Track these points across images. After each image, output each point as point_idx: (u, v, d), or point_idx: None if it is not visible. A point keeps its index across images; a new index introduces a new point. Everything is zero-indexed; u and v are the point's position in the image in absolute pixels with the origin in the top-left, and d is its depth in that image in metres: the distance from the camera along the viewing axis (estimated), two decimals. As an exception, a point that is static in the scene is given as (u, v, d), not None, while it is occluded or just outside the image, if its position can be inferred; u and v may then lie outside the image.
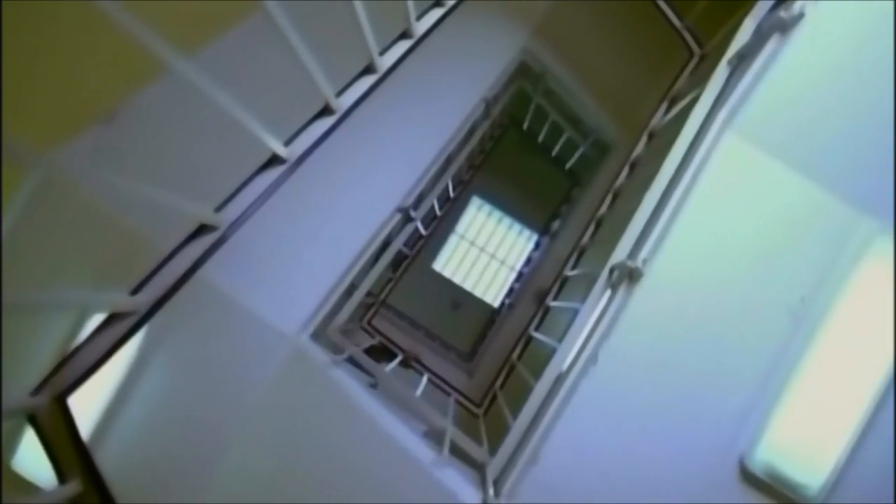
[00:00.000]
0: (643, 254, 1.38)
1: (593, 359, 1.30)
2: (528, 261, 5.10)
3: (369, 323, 3.24)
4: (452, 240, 6.21)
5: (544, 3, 2.54)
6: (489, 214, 6.32)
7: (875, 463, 1.19)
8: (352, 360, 1.99)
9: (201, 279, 1.04)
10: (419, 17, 1.41)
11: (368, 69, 1.30)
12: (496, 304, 5.70)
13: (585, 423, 1.26)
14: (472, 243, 6.27)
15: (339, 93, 1.24)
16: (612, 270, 1.51)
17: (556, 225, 4.42)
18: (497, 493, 1.27)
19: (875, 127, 1.38)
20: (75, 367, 0.87)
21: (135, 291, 0.92)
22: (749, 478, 1.22)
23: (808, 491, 1.19)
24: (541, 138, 3.82)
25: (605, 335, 1.33)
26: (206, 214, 0.99)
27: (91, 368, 0.87)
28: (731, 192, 1.39)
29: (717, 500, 1.22)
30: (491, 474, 1.36)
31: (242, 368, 1.71)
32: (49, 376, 0.87)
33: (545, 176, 4.97)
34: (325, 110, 1.21)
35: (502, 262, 6.22)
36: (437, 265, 6.16)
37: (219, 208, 1.02)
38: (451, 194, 3.93)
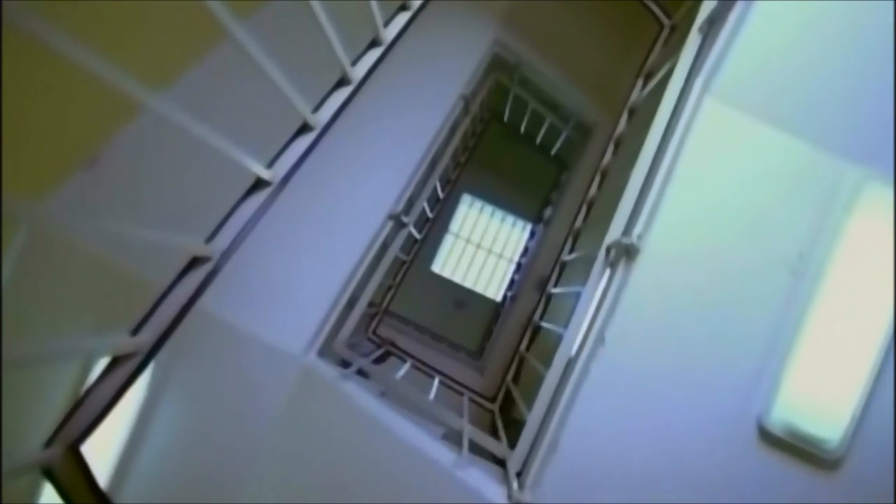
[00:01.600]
0: (637, 229, 1.38)
1: (600, 340, 1.30)
2: (526, 251, 5.09)
3: (374, 333, 3.24)
4: (448, 240, 6.22)
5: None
6: (481, 210, 6.34)
7: (891, 409, 1.20)
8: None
9: (200, 311, 1.03)
10: (386, 24, 1.41)
11: (342, 81, 1.30)
12: (499, 298, 5.71)
13: (600, 405, 1.26)
14: (468, 241, 6.28)
15: (316, 108, 1.24)
16: (608, 250, 1.51)
17: (548, 212, 4.42)
18: (521, 486, 1.27)
19: (854, 76, 1.38)
20: (85, 414, 0.86)
21: (135, 332, 0.91)
22: (769, 438, 1.22)
23: (828, 444, 1.19)
24: (523, 128, 3.82)
25: (610, 315, 1.33)
26: (197, 247, 0.99)
27: (100, 414, 0.87)
28: (716, 157, 1.39)
29: (739, 465, 1.22)
30: (513, 468, 1.36)
31: (254, 394, 1.71)
32: (60, 426, 0.86)
33: (532, 164, 4.97)
34: (304, 127, 1.20)
35: (500, 256, 6.24)
36: (436, 267, 6.17)
37: (209, 239, 1.02)
38: (441, 195, 3.93)
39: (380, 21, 1.35)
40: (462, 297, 6.01)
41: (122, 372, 0.89)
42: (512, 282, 5.02)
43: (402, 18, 1.47)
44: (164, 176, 1.78)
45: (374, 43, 1.39)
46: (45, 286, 1.57)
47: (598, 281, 1.49)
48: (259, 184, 1.11)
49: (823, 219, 1.31)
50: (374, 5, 1.27)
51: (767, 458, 1.22)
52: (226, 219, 1.05)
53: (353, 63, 1.32)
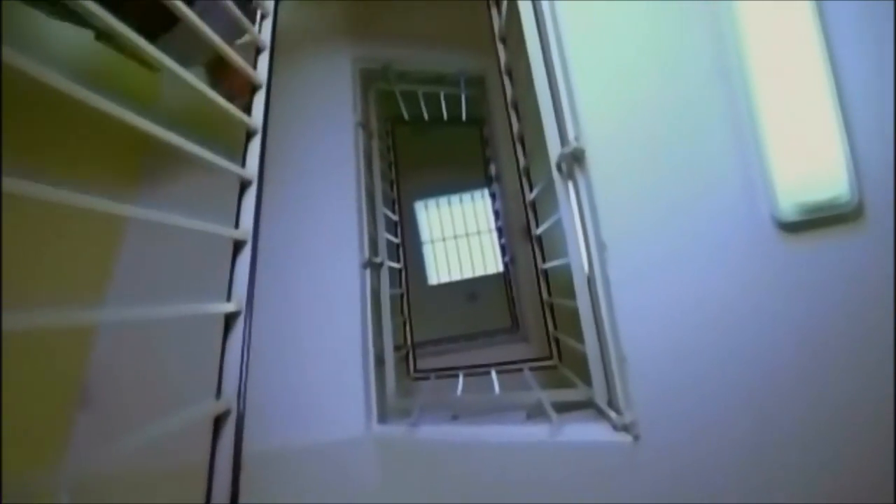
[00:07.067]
0: (571, 134, 1.40)
1: (602, 246, 1.31)
2: (497, 214, 5.11)
3: (416, 370, 3.23)
4: (427, 250, 6.21)
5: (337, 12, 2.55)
6: (437, 206, 6.34)
7: (874, 140, 1.20)
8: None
9: (255, 455, 1.02)
10: (248, 111, 1.40)
11: (244, 185, 1.29)
12: (500, 268, 5.72)
13: (637, 300, 1.27)
14: (444, 239, 6.28)
15: (236, 223, 1.23)
16: (559, 166, 1.52)
17: (493, 169, 4.44)
18: (618, 412, 1.28)
19: None
20: None
21: (207, 516, 0.91)
22: (791, 227, 1.22)
23: (843, 198, 1.19)
24: (425, 115, 3.84)
25: (595, 219, 1.34)
26: (210, 407, 0.98)
27: None
28: (599, 38, 1.41)
29: (783, 267, 1.22)
30: (601, 401, 1.37)
31: (348, 491, 1.69)
32: None
33: (453, 139, 5.00)
34: (238, 245, 1.20)
35: (478, 233, 6.25)
36: (432, 280, 6.16)
37: (217, 393, 1.01)
38: (395, 217, 3.93)
39: (240, 113, 1.34)
40: (470, 290, 6.01)
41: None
42: (503, 247, 5.02)
43: (261, 97, 1.46)
44: (148, 362, 1.76)
45: (249, 135, 1.38)
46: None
47: (568, 198, 1.49)
48: (230, 317, 1.10)
49: (715, 20, 1.32)
50: (226, 104, 1.25)
51: (801, 245, 1.22)
52: (221, 366, 1.05)
53: (243, 164, 1.32)
